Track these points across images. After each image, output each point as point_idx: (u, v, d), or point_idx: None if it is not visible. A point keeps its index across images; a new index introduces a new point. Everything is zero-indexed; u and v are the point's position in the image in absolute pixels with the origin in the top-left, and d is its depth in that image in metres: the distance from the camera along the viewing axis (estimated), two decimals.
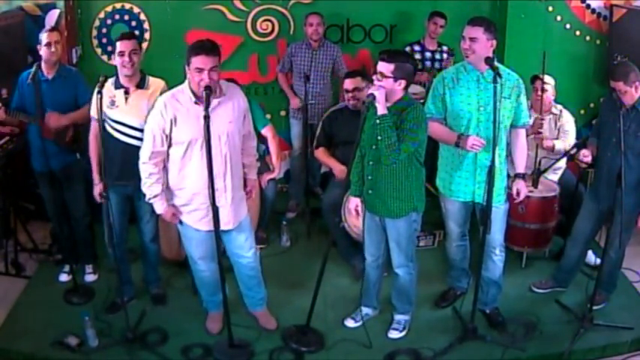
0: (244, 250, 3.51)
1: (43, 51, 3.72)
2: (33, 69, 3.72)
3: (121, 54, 3.41)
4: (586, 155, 3.63)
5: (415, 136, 3.16)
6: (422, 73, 5.18)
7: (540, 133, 4.25)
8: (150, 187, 3.25)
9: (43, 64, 3.75)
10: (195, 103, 3.12)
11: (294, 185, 5.32)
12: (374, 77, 3.22)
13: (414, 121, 3.15)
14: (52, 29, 3.82)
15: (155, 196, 3.26)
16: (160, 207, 3.29)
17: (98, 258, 4.31)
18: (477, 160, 3.44)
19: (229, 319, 3.42)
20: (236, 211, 3.36)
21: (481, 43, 3.28)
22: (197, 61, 3.02)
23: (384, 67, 3.14)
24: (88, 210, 4.07)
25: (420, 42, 5.27)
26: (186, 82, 3.17)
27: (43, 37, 3.70)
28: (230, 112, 3.21)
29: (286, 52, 5.18)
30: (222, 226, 3.26)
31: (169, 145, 3.19)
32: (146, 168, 3.21)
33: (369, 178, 3.36)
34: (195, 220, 3.32)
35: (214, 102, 3.10)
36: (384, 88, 3.14)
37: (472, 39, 3.29)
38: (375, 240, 3.56)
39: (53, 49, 3.72)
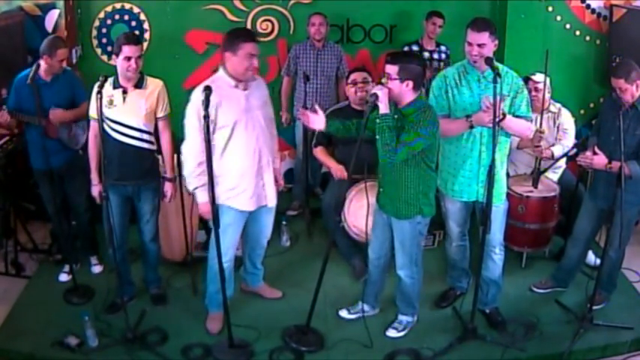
0: (269, 228, 3.75)
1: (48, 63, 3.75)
2: (33, 69, 3.73)
3: (128, 59, 3.41)
4: (588, 157, 3.52)
5: (417, 141, 3.12)
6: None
7: (539, 146, 4.24)
8: (197, 176, 3.30)
9: (41, 69, 3.75)
10: (235, 86, 3.31)
11: (297, 186, 5.33)
12: (383, 80, 3.20)
13: (417, 124, 3.13)
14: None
15: (203, 185, 3.29)
16: (203, 196, 3.33)
17: (100, 250, 4.34)
18: (481, 160, 3.43)
19: (229, 319, 3.42)
20: (275, 189, 3.59)
21: (488, 47, 3.30)
22: (249, 47, 3.23)
23: (389, 69, 3.15)
24: (89, 205, 4.07)
25: (419, 42, 5.27)
26: (221, 69, 3.34)
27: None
28: (262, 96, 3.47)
29: (290, 55, 5.17)
30: (268, 203, 3.56)
31: (213, 131, 3.28)
32: (195, 157, 3.26)
33: (380, 176, 3.39)
34: (243, 200, 3.45)
35: (252, 83, 3.37)
36: (392, 90, 3.14)
37: (481, 45, 3.28)
38: (381, 238, 3.56)
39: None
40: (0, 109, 3.73)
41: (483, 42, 3.27)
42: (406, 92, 3.17)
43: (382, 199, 3.43)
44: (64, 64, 3.84)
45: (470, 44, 3.30)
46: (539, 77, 4.34)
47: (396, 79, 3.13)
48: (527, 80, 4.33)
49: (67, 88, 3.87)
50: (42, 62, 3.73)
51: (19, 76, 3.80)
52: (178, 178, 3.84)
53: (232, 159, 3.38)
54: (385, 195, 3.40)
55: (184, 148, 3.35)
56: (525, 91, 3.44)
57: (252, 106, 3.37)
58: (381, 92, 3.11)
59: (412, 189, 3.30)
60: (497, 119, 3.12)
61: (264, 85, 3.55)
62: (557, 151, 4.28)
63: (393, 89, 3.15)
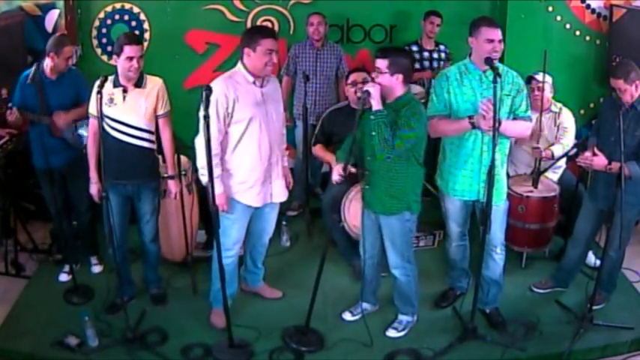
0: (272, 225, 3.79)
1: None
2: (32, 69, 3.73)
3: (130, 59, 3.42)
4: (588, 158, 3.52)
5: (411, 132, 3.17)
6: (424, 71, 5.21)
7: (538, 147, 4.24)
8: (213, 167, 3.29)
9: (46, 67, 3.76)
10: (253, 83, 3.36)
11: (297, 186, 5.33)
12: (373, 74, 3.27)
13: (410, 117, 3.17)
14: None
15: (217, 177, 3.30)
16: (218, 188, 3.32)
17: (100, 250, 4.34)
18: (482, 160, 3.42)
19: (229, 320, 3.42)
20: (283, 185, 3.65)
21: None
22: (268, 43, 3.27)
23: (380, 63, 3.20)
24: (90, 205, 4.07)
25: (418, 42, 5.29)
26: (239, 64, 3.38)
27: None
28: (275, 93, 3.52)
29: (289, 55, 5.17)
30: (275, 199, 3.62)
31: (228, 124, 3.33)
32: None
33: (367, 173, 3.39)
34: (252, 196, 3.50)
35: (269, 83, 3.44)
36: (382, 85, 3.18)
37: (500, 41, 3.31)
38: (371, 238, 3.58)
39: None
40: (8, 108, 3.72)
41: (501, 37, 3.31)
42: (396, 85, 3.21)
43: (369, 196, 3.43)
44: (70, 63, 3.84)
45: (492, 41, 3.30)
46: (542, 77, 4.34)
47: (386, 72, 3.18)
48: (530, 79, 4.34)
49: (72, 87, 3.87)
50: (48, 60, 3.74)
51: (24, 74, 3.81)
52: (178, 176, 3.85)
53: (244, 154, 3.42)
54: (372, 192, 3.40)
55: (198, 140, 3.33)
56: (525, 91, 3.45)
57: (267, 103, 3.42)
58: (372, 89, 3.15)
59: (401, 184, 3.32)
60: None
61: (278, 84, 3.61)
62: (557, 150, 4.28)
63: (384, 83, 3.19)
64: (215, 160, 3.27)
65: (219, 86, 3.25)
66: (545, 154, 4.25)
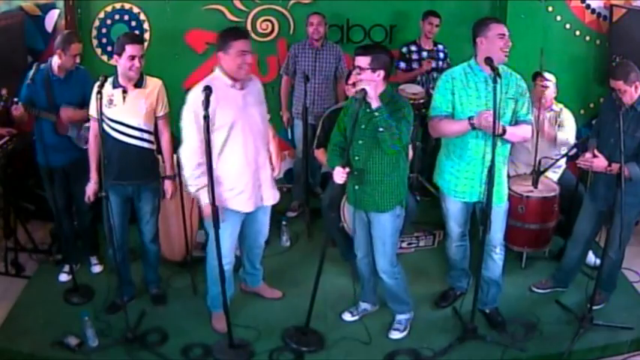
0: (266, 228, 3.76)
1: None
2: (33, 70, 3.72)
3: (132, 58, 3.42)
4: (588, 159, 3.52)
5: (409, 124, 3.21)
6: (421, 65, 5.21)
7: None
8: (197, 178, 3.28)
9: (54, 65, 3.76)
10: (232, 86, 3.31)
11: (297, 186, 5.33)
12: (354, 72, 3.28)
13: (405, 109, 3.21)
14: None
15: (204, 187, 3.25)
16: (205, 198, 3.26)
17: (100, 250, 4.34)
18: (484, 162, 3.41)
19: (229, 319, 3.42)
20: (273, 187, 3.60)
21: None
22: (240, 44, 3.22)
23: (361, 60, 3.20)
24: (92, 204, 4.07)
25: (416, 42, 5.29)
26: (217, 69, 3.32)
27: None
28: (257, 95, 3.47)
29: (289, 55, 5.16)
30: (266, 202, 3.59)
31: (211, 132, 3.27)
32: (194, 159, 3.25)
33: (355, 173, 3.35)
34: (242, 202, 3.44)
35: (249, 84, 3.38)
36: (368, 82, 3.18)
37: (509, 37, 3.32)
38: (364, 237, 3.58)
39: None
40: (13, 103, 3.72)
41: (508, 34, 3.32)
42: (378, 83, 3.22)
43: (359, 196, 3.41)
44: (78, 60, 3.83)
45: (503, 36, 3.31)
46: (549, 76, 4.34)
47: (368, 69, 3.18)
48: (536, 76, 4.34)
49: (79, 86, 3.86)
50: (55, 57, 3.74)
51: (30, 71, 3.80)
52: (178, 177, 3.85)
53: (230, 160, 3.37)
54: (362, 191, 3.38)
55: (182, 151, 3.31)
56: (528, 94, 3.45)
57: (248, 105, 3.37)
58: (368, 87, 3.14)
59: (393, 178, 3.33)
60: (497, 133, 3.16)
61: (259, 84, 3.55)
62: (561, 135, 4.28)
63: (366, 80, 3.18)
64: (200, 170, 3.23)
65: (197, 94, 3.16)
66: (547, 132, 4.23)
